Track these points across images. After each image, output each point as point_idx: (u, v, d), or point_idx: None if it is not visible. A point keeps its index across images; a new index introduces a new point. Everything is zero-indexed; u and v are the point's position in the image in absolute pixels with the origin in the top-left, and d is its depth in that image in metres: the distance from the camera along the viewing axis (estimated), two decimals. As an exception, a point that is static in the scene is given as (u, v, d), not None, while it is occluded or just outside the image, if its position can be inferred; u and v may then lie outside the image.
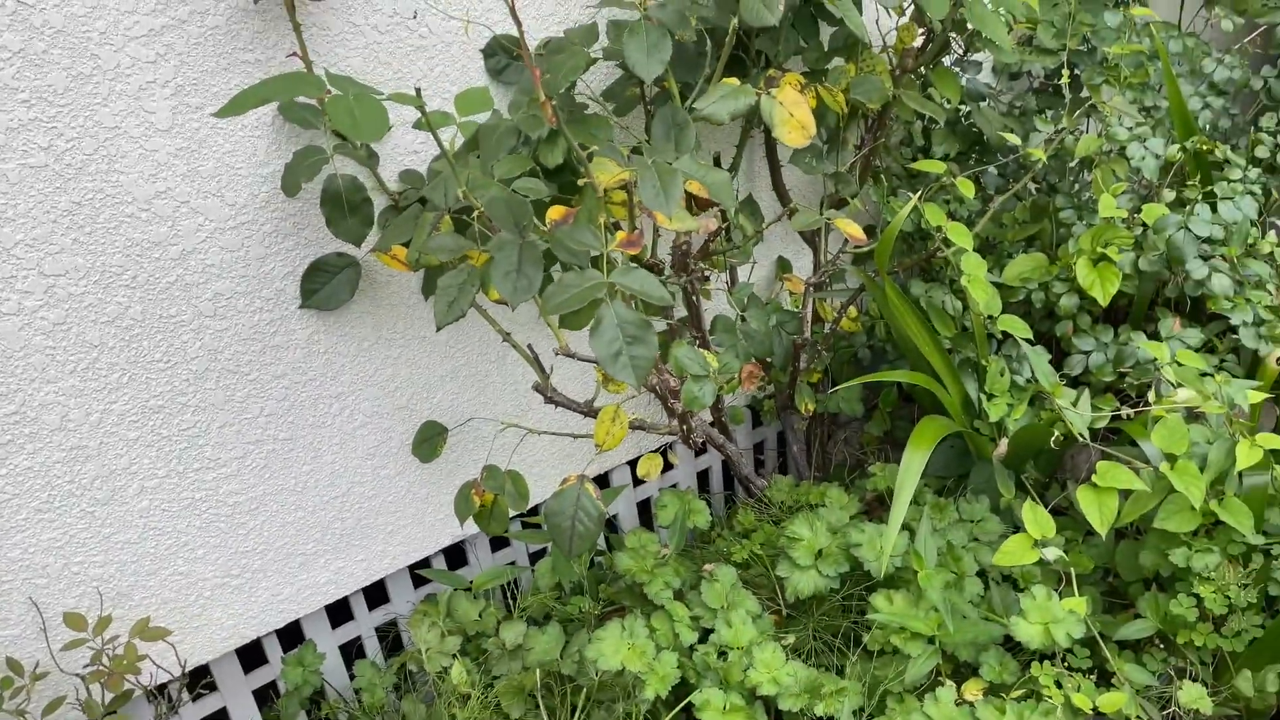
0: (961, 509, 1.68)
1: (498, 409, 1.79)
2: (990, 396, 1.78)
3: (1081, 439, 1.56)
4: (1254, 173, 1.85)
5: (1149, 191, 2.06)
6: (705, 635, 1.55)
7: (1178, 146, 1.91)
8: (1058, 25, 2.22)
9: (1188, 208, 1.74)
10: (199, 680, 1.67)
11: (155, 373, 1.41)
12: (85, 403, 1.36)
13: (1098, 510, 1.38)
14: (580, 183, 1.25)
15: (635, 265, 1.02)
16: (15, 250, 1.25)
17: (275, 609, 1.67)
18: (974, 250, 1.73)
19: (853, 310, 2.00)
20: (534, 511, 1.93)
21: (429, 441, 1.64)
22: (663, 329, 1.71)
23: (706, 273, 1.56)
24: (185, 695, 1.67)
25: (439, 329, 1.16)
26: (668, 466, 2.13)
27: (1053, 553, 1.40)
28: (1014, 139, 1.73)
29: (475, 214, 1.15)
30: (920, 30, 1.78)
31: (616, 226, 1.24)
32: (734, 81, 1.25)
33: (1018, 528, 1.75)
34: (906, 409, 2.13)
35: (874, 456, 2.16)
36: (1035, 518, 1.42)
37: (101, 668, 1.28)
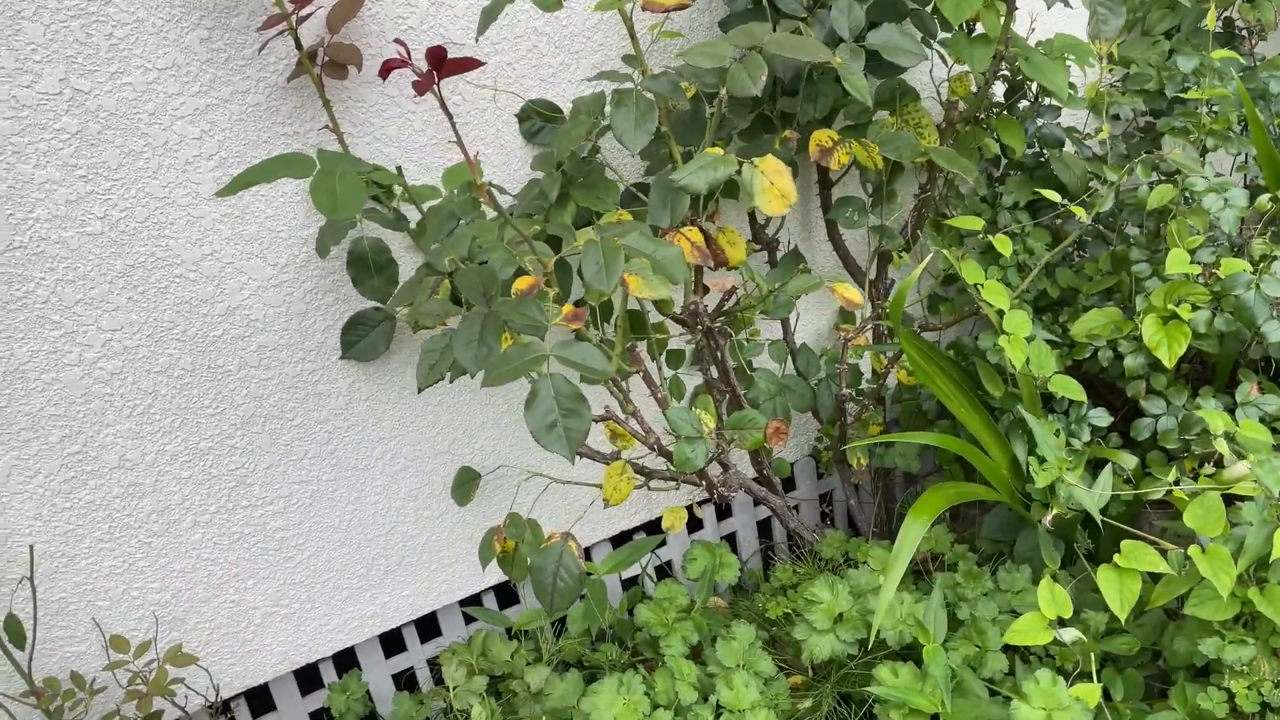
0: (1000, 578, 1.61)
1: (535, 459, 1.84)
2: (1040, 460, 1.70)
3: (1101, 520, 1.47)
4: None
5: (1239, 245, 1.92)
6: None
7: (1268, 196, 1.77)
8: (1154, 65, 2.10)
9: (1262, 264, 1.61)
10: (257, 700, 1.79)
11: (205, 418, 1.54)
12: (141, 444, 1.50)
13: (1118, 593, 1.30)
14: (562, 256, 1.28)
15: (574, 339, 1.05)
16: (76, 308, 1.40)
17: (324, 638, 1.77)
18: (1049, 305, 1.66)
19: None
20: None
21: (464, 486, 1.71)
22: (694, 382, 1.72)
23: (727, 329, 1.56)
24: (247, 713, 1.79)
25: (420, 390, 1.23)
26: (694, 522, 2.13)
27: (1070, 634, 1.33)
28: (1078, 210, 1.65)
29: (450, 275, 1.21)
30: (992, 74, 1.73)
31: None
32: (717, 151, 1.26)
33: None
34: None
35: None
36: (1052, 596, 1.34)
37: (137, 688, 1.41)
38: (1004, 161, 2.03)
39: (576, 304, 1.25)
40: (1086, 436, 1.71)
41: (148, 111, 1.36)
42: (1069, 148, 1.98)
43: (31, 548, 1.46)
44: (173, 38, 1.34)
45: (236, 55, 1.39)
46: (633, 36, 1.34)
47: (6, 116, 1.28)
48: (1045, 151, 1.98)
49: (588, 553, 2.06)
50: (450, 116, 0.94)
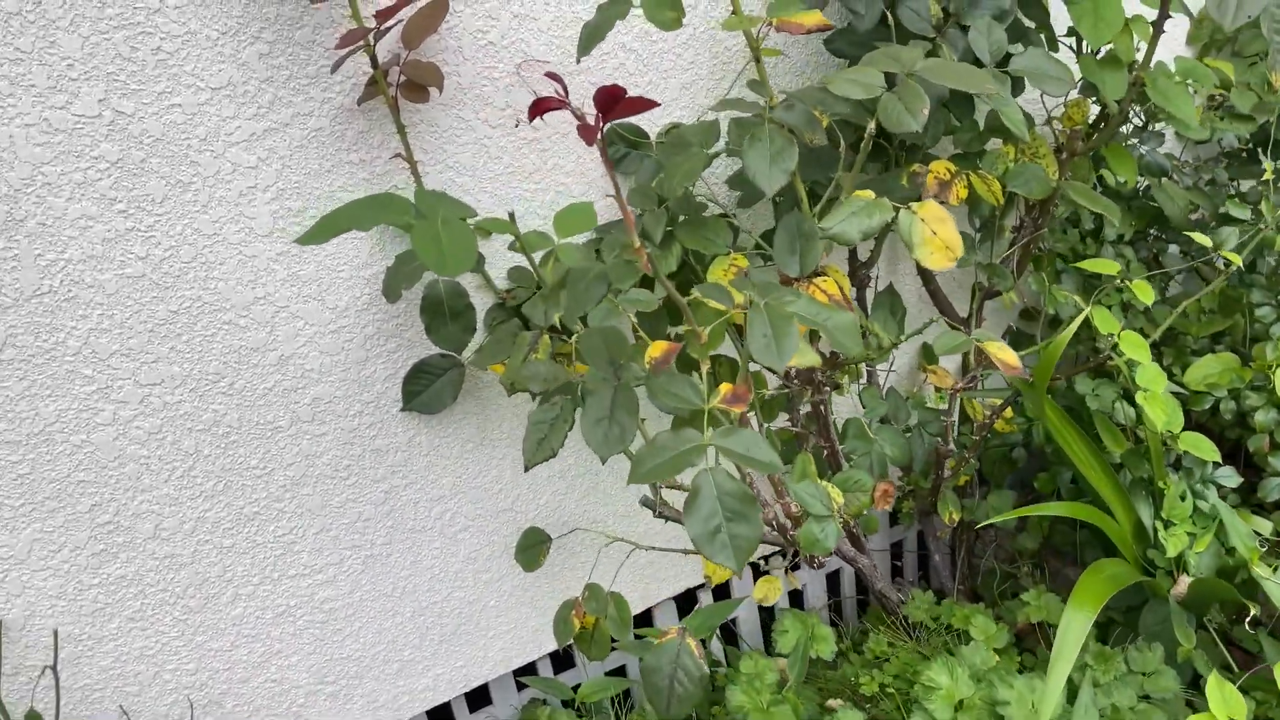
0: (1131, 659, 1.46)
1: (604, 513, 1.67)
2: (1167, 524, 1.55)
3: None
4: None
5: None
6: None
7: None
8: (1254, 87, 1.96)
9: None
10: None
11: (251, 479, 1.36)
12: (180, 510, 1.32)
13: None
14: (690, 300, 1.12)
15: (737, 426, 0.89)
16: (111, 360, 1.21)
17: (371, 715, 1.60)
18: (1152, 347, 1.51)
19: (1008, 410, 1.80)
20: (641, 620, 1.81)
21: (531, 549, 1.54)
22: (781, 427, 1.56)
23: (836, 383, 1.41)
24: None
25: (527, 469, 1.06)
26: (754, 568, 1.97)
27: (1243, 741, 1.18)
28: (1203, 239, 1.50)
29: (574, 337, 1.04)
30: (1093, 103, 1.59)
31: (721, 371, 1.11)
32: (868, 195, 1.10)
33: (1197, 679, 1.52)
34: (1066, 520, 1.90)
35: (1029, 568, 1.94)
36: (1223, 696, 1.20)
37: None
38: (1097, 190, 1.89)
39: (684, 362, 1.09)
40: (1214, 498, 1.57)
41: (198, 137, 1.18)
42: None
43: (55, 633, 1.28)
44: (229, 52, 1.17)
45: (299, 73, 1.22)
46: (758, 60, 1.18)
47: (38, 143, 1.10)
48: (1145, 179, 1.84)
49: (648, 613, 1.90)
50: (612, 172, 0.76)
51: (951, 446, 1.57)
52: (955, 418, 1.57)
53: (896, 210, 1.08)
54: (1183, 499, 1.55)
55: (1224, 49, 2.17)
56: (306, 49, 1.21)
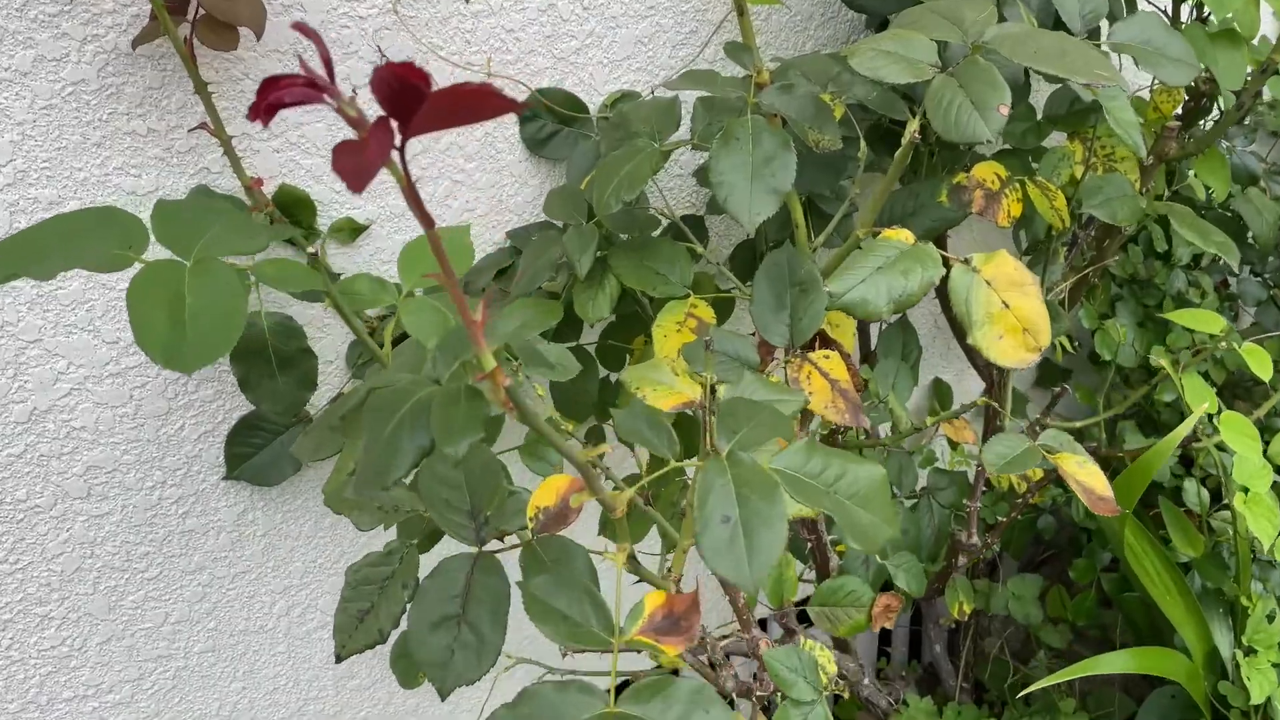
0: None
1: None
2: (1248, 651, 1.19)
3: None
4: None
5: None
6: None
7: None
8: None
9: None
10: None
11: (-5, 578, 0.96)
12: (-119, 626, 0.92)
13: None
14: (625, 379, 0.73)
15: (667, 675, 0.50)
16: None
17: None
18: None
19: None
20: None
21: (409, 658, 1.14)
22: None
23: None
24: None
25: (339, 659, 0.67)
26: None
27: None
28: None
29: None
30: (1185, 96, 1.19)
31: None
32: (902, 236, 0.69)
33: None
34: (1105, 613, 1.52)
35: (1048, 658, 1.58)
36: None
37: None
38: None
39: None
40: (1310, 620, 1.20)
41: None
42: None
43: None
44: (-89, -44, 0.74)
45: (39, -5, 0.79)
46: (741, 12, 0.76)
47: None
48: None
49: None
50: (431, 226, 0.37)
51: (975, 540, 1.19)
52: (976, 504, 1.18)
53: (947, 265, 0.68)
54: (1270, 620, 1.19)
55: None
56: (47, -42, 0.79)
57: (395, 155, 0.35)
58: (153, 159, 0.89)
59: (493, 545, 0.59)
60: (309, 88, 0.37)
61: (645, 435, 0.54)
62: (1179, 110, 1.25)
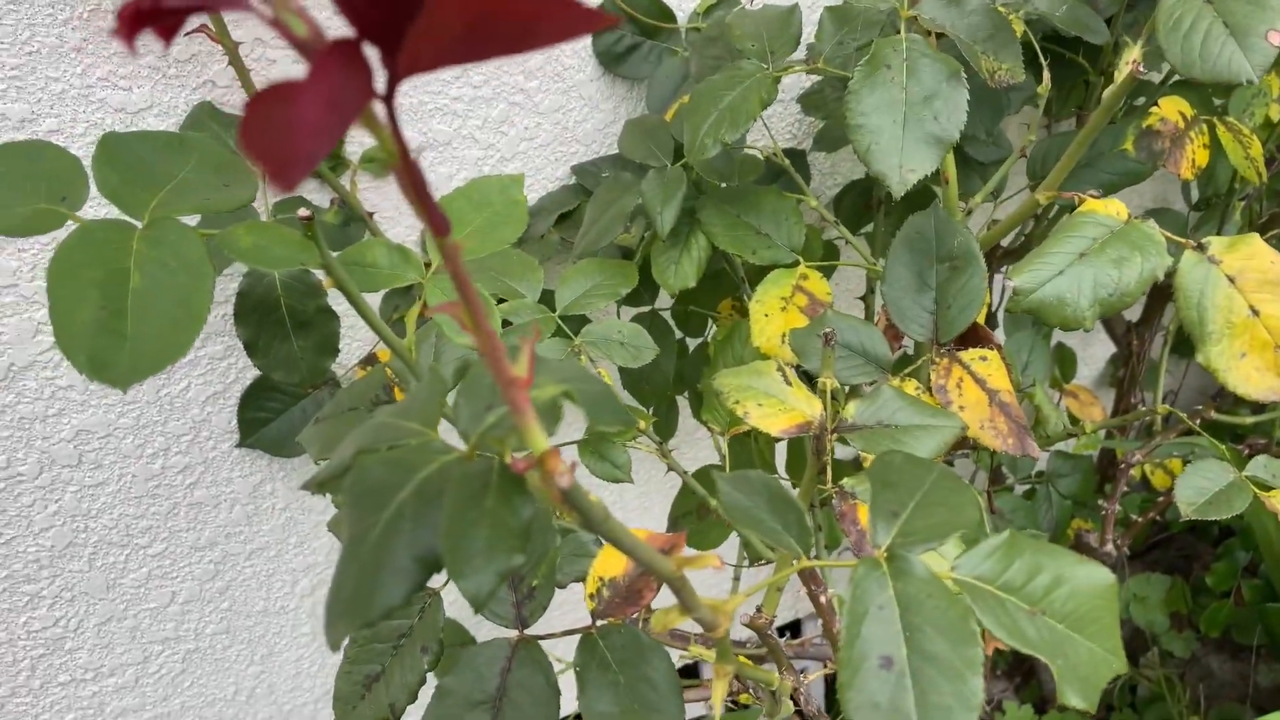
0: None
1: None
2: None
3: None
4: None
5: None
6: None
7: None
8: None
9: None
10: None
11: (-27, 554, 0.83)
12: None
13: None
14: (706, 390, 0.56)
15: None
16: None
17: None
18: None
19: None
20: None
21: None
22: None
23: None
24: None
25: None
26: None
27: None
28: None
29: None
30: None
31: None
32: (1109, 206, 0.51)
33: None
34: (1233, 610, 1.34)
35: (1161, 659, 1.40)
36: None
37: None
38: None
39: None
40: None
41: None
42: None
43: None
44: None
45: None
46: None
47: None
48: None
49: None
50: (445, 234, 0.23)
51: (1110, 549, 1.01)
52: (1117, 504, 1.00)
53: (1179, 252, 0.49)
54: None
55: None
56: None
57: (380, 107, 0.18)
58: (146, 68, 0.73)
59: (537, 628, 0.44)
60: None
61: (765, 522, 0.38)
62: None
